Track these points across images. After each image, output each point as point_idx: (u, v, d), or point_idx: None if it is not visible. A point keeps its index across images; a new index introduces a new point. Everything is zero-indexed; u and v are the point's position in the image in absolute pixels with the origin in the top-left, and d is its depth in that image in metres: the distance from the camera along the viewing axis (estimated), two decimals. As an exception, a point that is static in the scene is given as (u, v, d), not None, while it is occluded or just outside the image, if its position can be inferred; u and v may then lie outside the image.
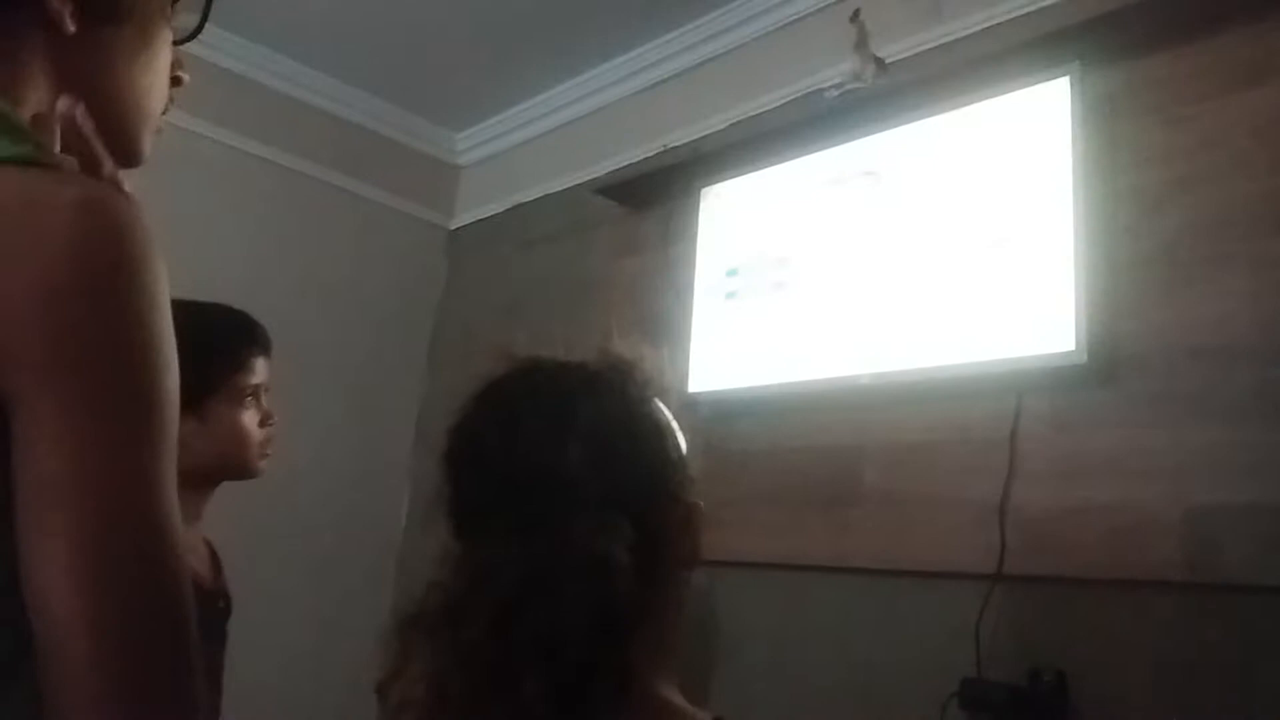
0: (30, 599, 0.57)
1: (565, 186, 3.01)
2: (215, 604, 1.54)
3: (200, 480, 1.48)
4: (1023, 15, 1.98)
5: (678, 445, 0.91)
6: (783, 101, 2.39)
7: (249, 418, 1.55)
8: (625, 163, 2.68)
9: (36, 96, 0.71)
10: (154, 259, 0.62)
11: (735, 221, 2.34)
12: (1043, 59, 1.82)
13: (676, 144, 2.54)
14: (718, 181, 2.39)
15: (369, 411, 3.18)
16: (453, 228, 3.47)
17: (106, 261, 0.60)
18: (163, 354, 0.62)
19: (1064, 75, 1.79)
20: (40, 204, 0.60)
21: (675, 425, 0.93)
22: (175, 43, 0.81)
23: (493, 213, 3.31)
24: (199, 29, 0.85)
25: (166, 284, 0.63)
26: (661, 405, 0.92)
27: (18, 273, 0.58)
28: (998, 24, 2.03)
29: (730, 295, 2.30)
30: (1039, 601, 1.72)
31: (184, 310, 1.51)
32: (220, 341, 1.54)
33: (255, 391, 1.56)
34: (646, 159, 2.58)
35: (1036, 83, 1.83)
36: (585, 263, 2.84)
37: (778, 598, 2.09)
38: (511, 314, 3.03)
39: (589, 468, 0.82)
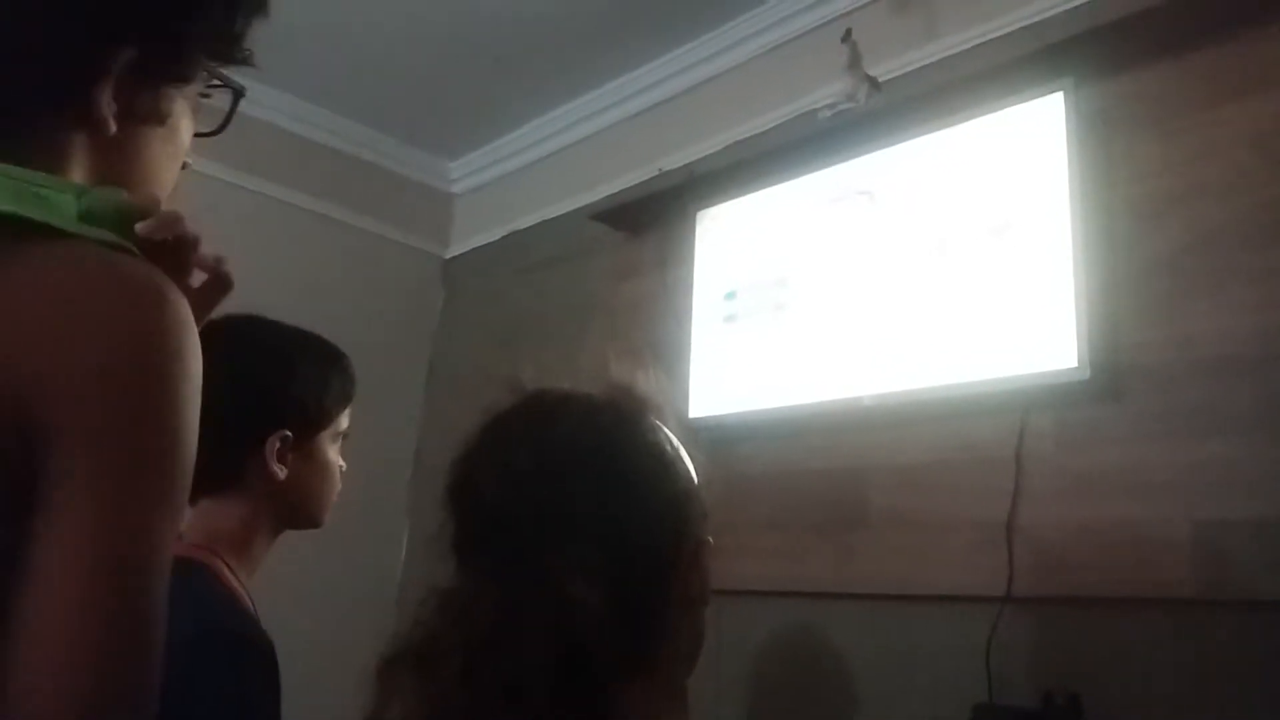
0: (17, 643, 0.59)
1: (560, 213, 3.00)
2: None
3: (277, 524, 1.43)
4: (1015, 31, 1.98)
5: (687, 478, 0.88)
6: (777, 123, 2.39)
7: (333, 467, 1.51)
8: (620, 187, 2.67)
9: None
10: (198, 351, 0.68)
11: (732, 244, 2.33)
12: (1036, 75, 1.81)
13: (671, 167, 2.53)
14: (714, 204, 2.38)
15: (366, 443, 3.14)
16: (448, 256, 3.46)
17: (165, 349, 0.66)
18: (193, 435, 0.68)
19: (1058, 91, 1.78)
20: (120, 283, 0.66)
21: (686, 457, 0.90)
22: (197, 135, 0.87)
23: (488, 241, 3.31)
24: (223, 127, 0.91)
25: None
26: (670, 437, 0.90)
27: (84, 339, 0.63)
28: (990, 40, 2.03)
29: (729, 318, 2.28)
30: (1050, 622, 1.69)
31: (306, 338, 1.46)
32: (341, 377, 1.51)
33: (339, 442, 1.53)
34: (641, 183, 2.57)
35: (1030, 99, 1.82)
36: (582, 289, 2.83)
37: (783, 625, 2.06)
38: (508, 342, 3.02)
39: (584, 502, 0.80)
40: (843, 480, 2.02)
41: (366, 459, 3.10)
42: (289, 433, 1.40)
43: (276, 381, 1.42)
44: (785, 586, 2.06)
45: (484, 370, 3.08)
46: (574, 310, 2.81)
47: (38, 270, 0.64)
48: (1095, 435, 1.69)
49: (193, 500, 1.28)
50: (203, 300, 0.81)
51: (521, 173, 3.24)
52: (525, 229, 3.15)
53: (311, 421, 1.45)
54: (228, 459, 1.35)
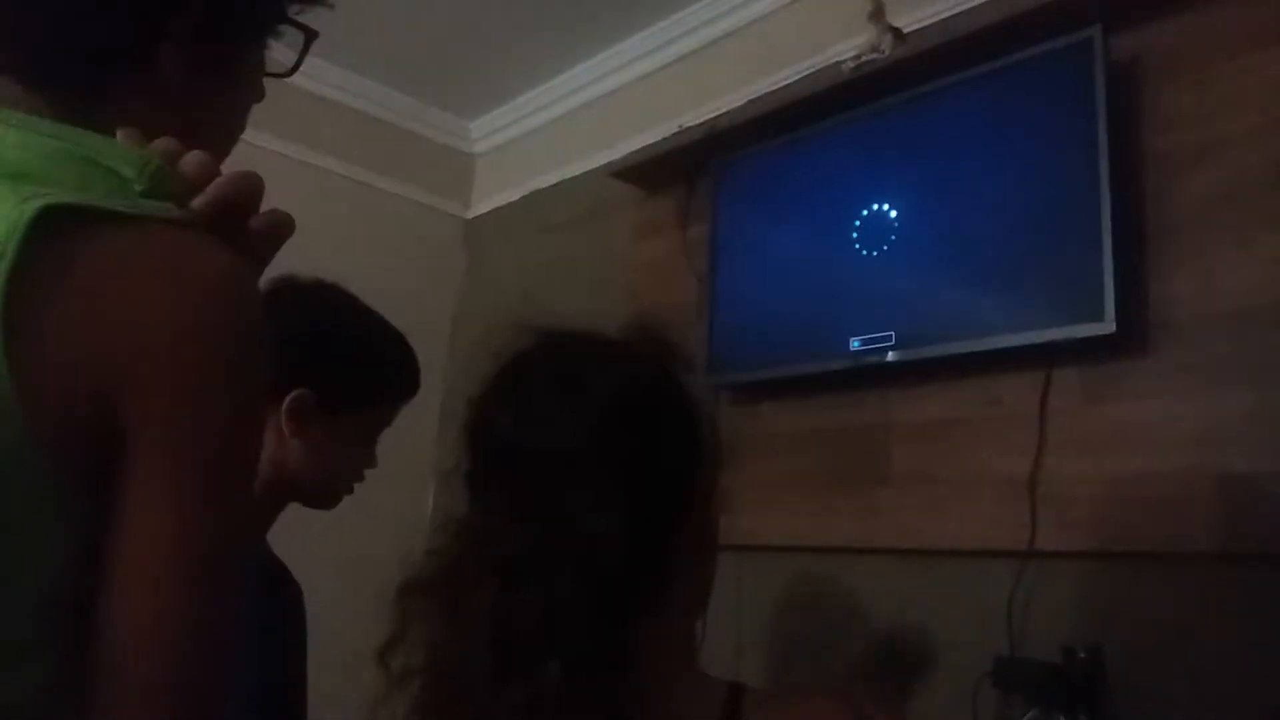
0: (101, 625, 0.60)
1: (581, 171, 2.99)
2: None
3: (281, 493, 1.38)
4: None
5: (703, 423, 0.89)
6: (799, 76, 2.36)
7: (364, 454, 1.47)
8: (641, 145, 2.65)
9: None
10: (266, 331, 0.69)
11: (755, 199, 2.31)
12: (1063, 23, 1.78)
13: (692, 124, 2.51)
14: (736, 159, 2.36)
15: (391, 404, 3.17)
16: (470, 217, 3.46)
17: (241, 331, 0.67)
18: (259, 420, 0.71)
19: (1087, 38, 1.74)
20: (188, 264, 0.66)
21: (701, 404, 0.90)
22: (267, 75, 0.86)
23: (509, 200, 3.30)
24: (295, 68, 0.89)
25: None
26: (688, 385, 0.90)
27: (157, 323, 0.63)
28: (1016, -12, 1.98)
29: (751, 273, 2.27)
30: (1072, 577, 1.69)
31: (373, 320, 1.44)
32: (392, 368, 1.46)
33: (378, 433, 1.48)
34: (662, 140, 2.55)
35: (1058, 47, 1.78)
36: (604, 247, 2.82)
37: (806, 580, 2.06)
38: (531, 301, 3.01)
39: (605, 443, 0.81)
40: (866, 436, 2.02)
41: (391, 419, 3.14)
42: (310, 392, 1.34)
43: (317, 336, 1.36)
44: (808, 542, 2.06)
45: (507, 328, 3.10)
46: (596, 268, 2.80)
47: (102, 260, 0.63)
48: (1121, 389, 1.68)
49: None
50: (266, 246, 0.80)
51: (541, 131, 3.22)
52: (546, 188, 3.14)
53: (343, 394, 1.38)
54: None
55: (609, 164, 2.73)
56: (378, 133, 3.25)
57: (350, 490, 1.48)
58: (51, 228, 0.61)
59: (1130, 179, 1.71)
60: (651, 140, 2.61)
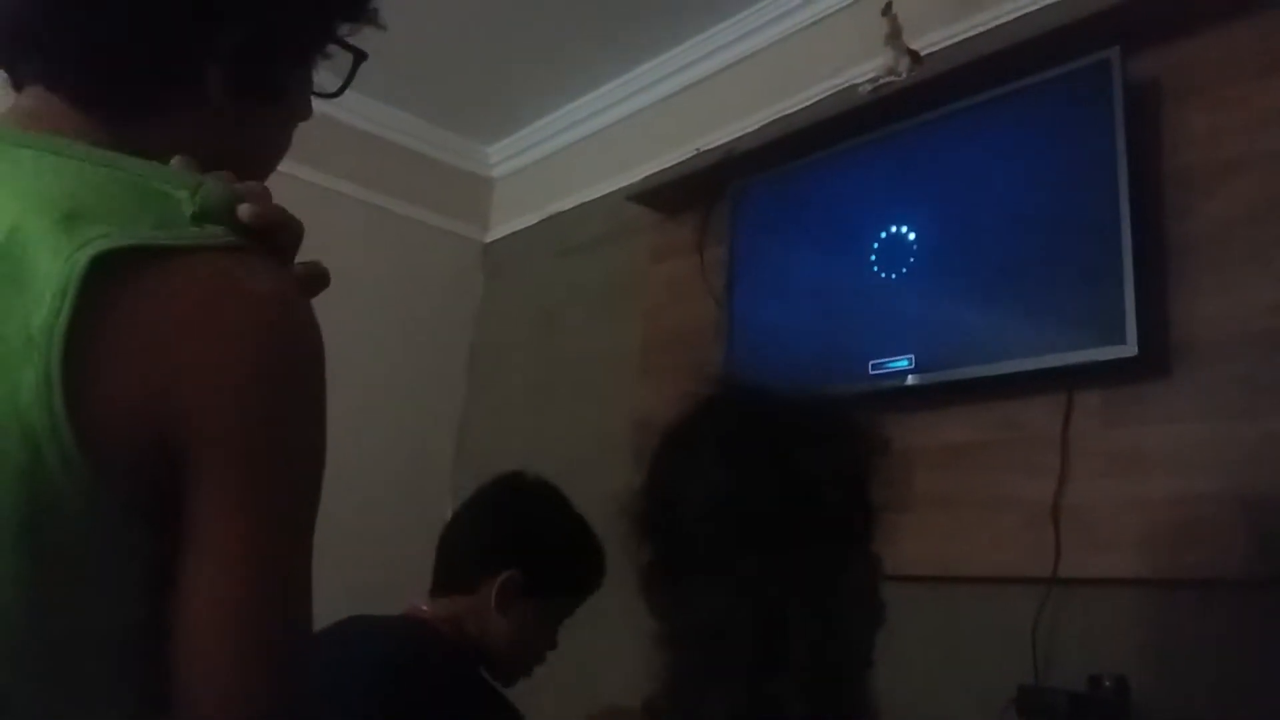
0: (179, 654, 0.61)
1: (599, 195, 2.99)
2: None
3: (473, 655, 1.53)
4: (1059, 0, 1.93)
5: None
6: (816, 99, 2.36)
7: (551, 637, 1.61)
8: (658, 168, 2.65)
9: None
10: (323, 349, 0.69)
11: (772, 222, 2.30)
12: (1082, 44, 1.77)
13: (710, 147, 2.51)
14: (753, 182, 2.35)
15: (410, 428, 3.17)
16: (488, 241, 3.47)
17: (300, 355, 0.67)
18: (323, 441, 0.68)
19: (1105, 58, 1.73)
20: (241, 291, 0.65)
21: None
22: (315, 95, 0.87)
23: (527, 224, 3.30)
24: (344, 88, 0.89)
25: None
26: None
27: (215, 354, 0.63)
28: (1034, 10, 1.97)
29: (769, 296, 2.26)
30: (1097, 604, 1.66)
31: (580, 521, 1.62)
32: (589, 563, 1.59)
33: (563, 620, 1.62)
34: (680, 163, 2.55)
35: (1076, 69, 1.77)
36: (622, 270, 2.82)
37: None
38: (549, 324, 3.02)
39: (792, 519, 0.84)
40: (889, 469, 1.99)
41: (409, 443, 3.15)
42: (520, 574, 1.52)
43: (534, 526, 1.58)
44: (827, 568, 2.03)
45: (525, 353, 3.10)
46: (613, 291, 2.80)
47: (157, 298, 0.63)
48: (1144, 412, 1.66)
49: (432, 592, 1.57)
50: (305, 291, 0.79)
51: (559, 155, 3.23)
52: (563, 212, 3.14)
53: (545, 578, 1.55)
54: (467, 571, 1.55)
55: (626, 187, 2.74)
56: (396, 158, 3.27)
57: (530, 672, 1.62)
58: (106, 271, 0.61)
59: (1150, 200, 1.69)
60: (669, 163, 2.61)
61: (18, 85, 0.76)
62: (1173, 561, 1.57)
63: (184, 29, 0.73)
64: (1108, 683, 1.54)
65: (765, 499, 0.83)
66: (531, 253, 3.25)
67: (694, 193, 2.52)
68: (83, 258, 0.60)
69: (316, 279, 0.80)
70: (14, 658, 0.61)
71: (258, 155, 0.81)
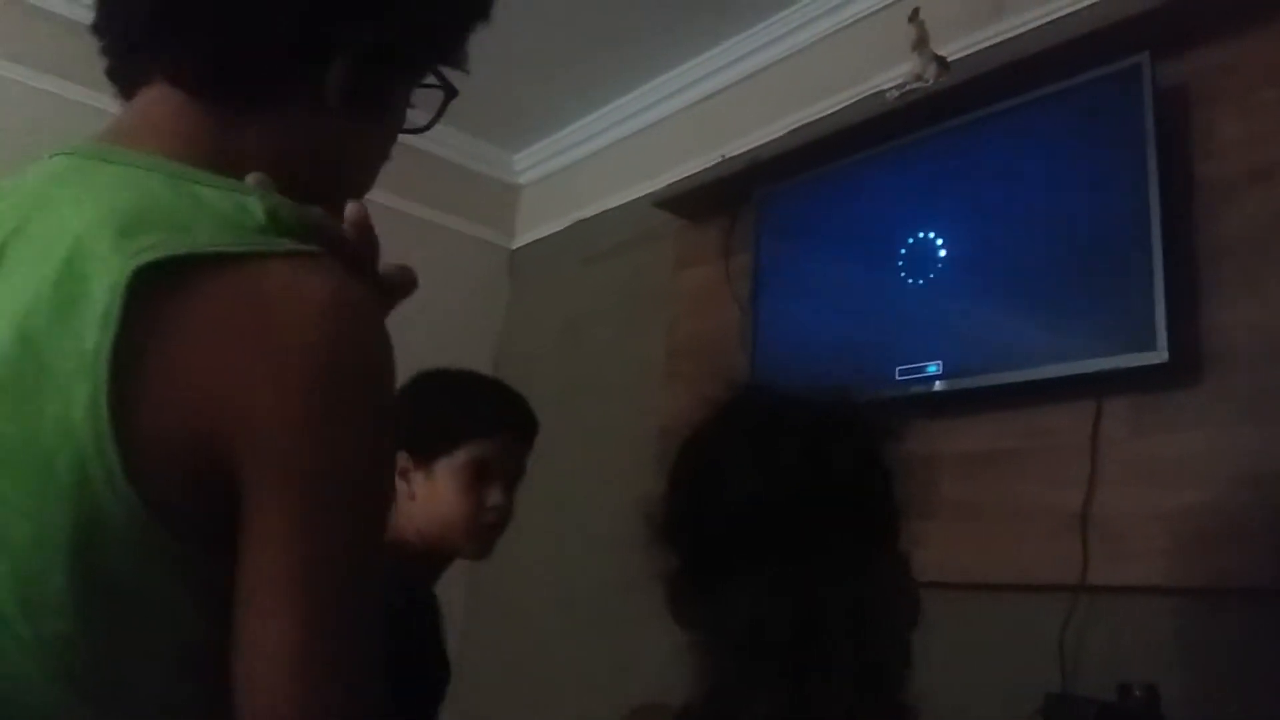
0: (240, 681, 0.59)
1: (624, 201, 3.00)
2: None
3: (422, 544, 1.48)
4: (1088, 6, 1.92)
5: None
6: (842, 105, 2.35)
7: (463, 498, 1.49)
8: (684, 174, 2.65)
9: (286, 173, 0.72)
10: (393, 362, 0.65)
11: (798, 228, 2.30)
12: (1110, 50, 1.76)
13: (735, 153, 2.51)
14: (779, 188, 2.36)
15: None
16: (514, 248, 3.48)
17: (366, 369, 0.63)
18: (390, 458, 0.66)
19: (1135, 64, 1.72)
20: (303, 299, 0.61)
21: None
22: (403, 131, 0.84)
23: (553, 231, 3.32)
24: (433, 123, 0.86)
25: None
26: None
27: (270, 366, 0.60)
28: (1062, 15, 1.97)
29: (795, 303, 2.26)
30: (1126, 612, 1.65)
31: (457, 374, 1.56)
32: (478, 409, 1.54)
33: (480, 470, 1.49)
34: (706, 169, 2.56)
35: (1106, 74, 1.76)
36: (647, 277, 2.82)
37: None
38: (574, 331, 3.03)
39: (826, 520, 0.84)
40: (912, 467, 1.98)
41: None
42: (405, 455, 1.47)
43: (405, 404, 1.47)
44: (853, 575, 2.03)
45: (550, 359, 3.11)
46: (639, 298, 2.81)
47: (214, 301, 0.61)
48: (1175, 419, 1.64)
49: None
50: (393, 294, 0.79)
51: (585, 163, 3.24)
52: (589, 219, 3.15)
53: (426, 446, 1.48)
54: None
55: (652, 194, 2.74)
56: (422, 165, 3.28)
57: (486, 537, 1.53)
58: (154, 283, 0.59)
59: (1181, 205, 1.68)
60: (694, 170, 2.61)
61: (129, 93, 0.75)
62: (1203, 570, 1.56)
63: (323, 18, 0.72)
64: (1138, 692, 1.53)
65: (797, 496, 0.82)
66: (557, 259, 3.26)
67: (720, 199, 2.52)
68: (128, 269, 0.59)
69: (404, 284, 0.78)
70: (72, 681, 0.61)
71: (352, 170, 0.80)
